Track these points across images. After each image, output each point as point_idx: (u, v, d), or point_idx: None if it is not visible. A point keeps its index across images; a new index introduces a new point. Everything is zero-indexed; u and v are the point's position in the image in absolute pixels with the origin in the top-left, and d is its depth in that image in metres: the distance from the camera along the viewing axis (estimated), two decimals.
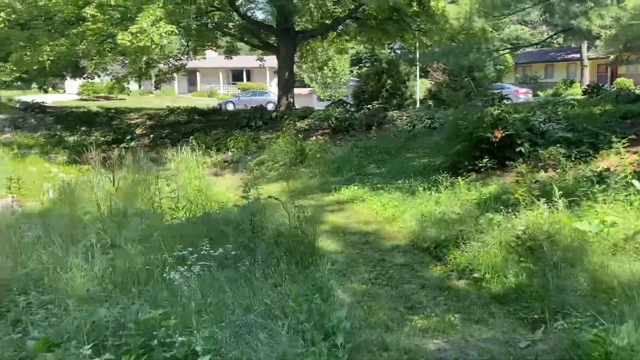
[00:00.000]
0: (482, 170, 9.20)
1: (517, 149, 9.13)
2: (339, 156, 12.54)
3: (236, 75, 51.26)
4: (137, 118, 19.99)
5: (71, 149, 15.57)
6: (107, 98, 41.11)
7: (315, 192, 10.00)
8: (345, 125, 15.01)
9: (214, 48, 25.50)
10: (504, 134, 9.19)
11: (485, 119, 9.54)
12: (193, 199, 8.56)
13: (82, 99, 38.96)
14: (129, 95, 42.60)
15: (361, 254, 6.02)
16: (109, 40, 12.55)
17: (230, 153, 15.07)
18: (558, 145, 9.03)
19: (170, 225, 6.73)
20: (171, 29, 11.69)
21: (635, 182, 6.16)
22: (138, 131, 18.23)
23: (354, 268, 5.50)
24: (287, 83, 18.66)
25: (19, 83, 24.32)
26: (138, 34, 11.52)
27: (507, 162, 9.20)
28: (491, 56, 11.56)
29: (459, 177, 9.06)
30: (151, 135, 17.23)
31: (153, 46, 11.68)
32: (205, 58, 49.25)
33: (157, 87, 21.84)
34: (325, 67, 44.03)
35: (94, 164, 11.91)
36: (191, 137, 17.18)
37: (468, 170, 9.32)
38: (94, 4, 11.81)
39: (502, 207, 6.29)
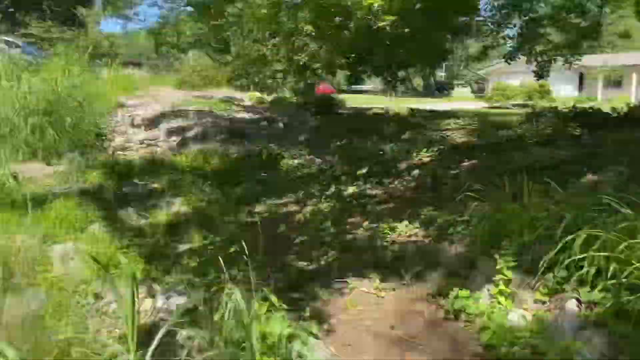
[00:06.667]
0: None
1: None
2: None
3: None
4: (453, 129, 9.92)
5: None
6: (524, 106, 30.76)
7: None
8: None
9: None
10: None
11: None
12: None
13: (491, 107, 30.24)
14: (555, 101, 31.00)
15: None
16: None
17: None
18: None
19: None
20: None
21: None
22: (423, 155, 8.31)
23: None
24: None
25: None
26: None
27: None
28: None
29: None
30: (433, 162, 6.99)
31: None
32: None
33: (539, 76, 10.98)
34: None
35: None
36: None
37: None
38: None
39: None
